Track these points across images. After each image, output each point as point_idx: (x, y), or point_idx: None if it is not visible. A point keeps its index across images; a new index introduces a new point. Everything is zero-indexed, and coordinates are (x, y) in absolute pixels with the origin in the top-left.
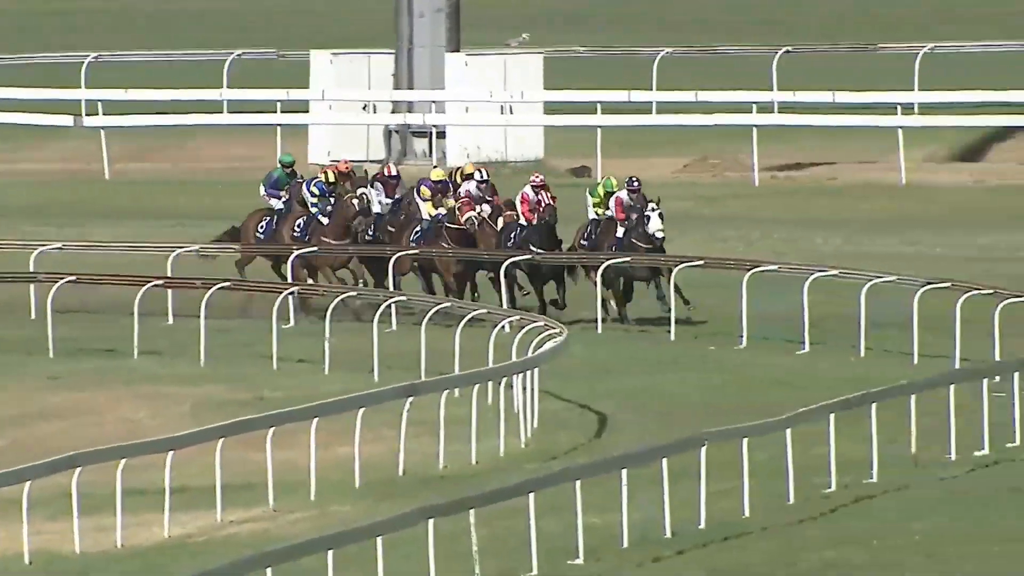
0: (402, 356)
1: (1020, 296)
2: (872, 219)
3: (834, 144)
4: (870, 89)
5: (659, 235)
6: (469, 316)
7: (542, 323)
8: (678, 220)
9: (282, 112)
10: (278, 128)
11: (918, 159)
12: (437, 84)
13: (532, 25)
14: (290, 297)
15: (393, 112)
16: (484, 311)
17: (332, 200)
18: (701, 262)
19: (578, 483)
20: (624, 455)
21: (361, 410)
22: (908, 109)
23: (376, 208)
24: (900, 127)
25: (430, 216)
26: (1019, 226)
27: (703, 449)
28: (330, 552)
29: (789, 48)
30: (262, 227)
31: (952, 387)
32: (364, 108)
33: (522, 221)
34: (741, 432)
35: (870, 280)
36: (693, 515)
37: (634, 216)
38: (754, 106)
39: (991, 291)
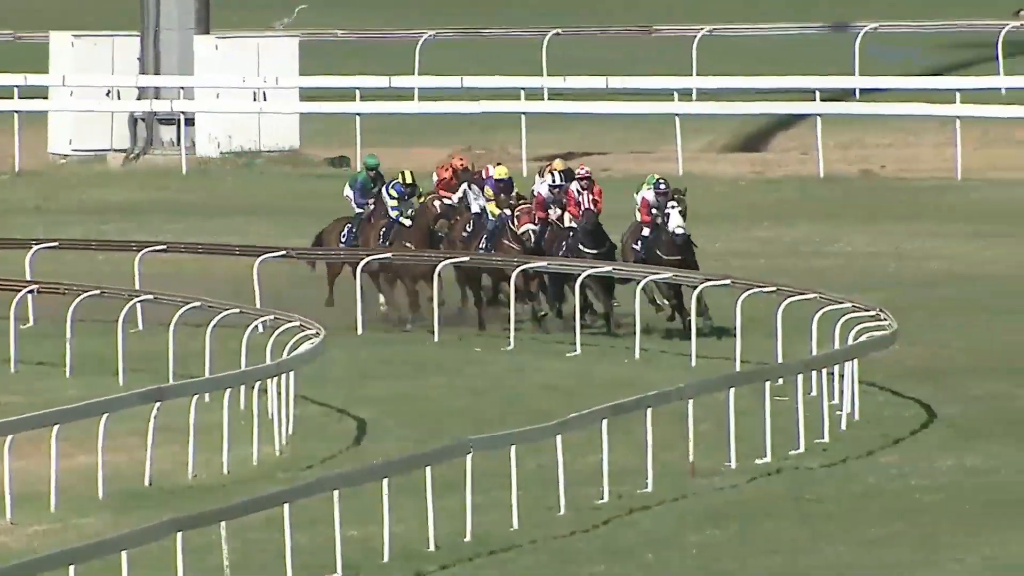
0: (149, 358)
1: (804, 294)
2: None
3: (607, 132)
4: (645, 74)
5: (679, 231)
6: (221, 316)
7: (298, 323)
8: None
9: (20, 98)
10: (15, 115)
11: (696, 148)
12: (185, 69)
13: (286, 7)
14: (29, 296)
15: (139, 99)
16: (236, 311)
17: (412, 202)
18: (467, 258)
19: (336, 493)
20: (385, 464)
21: (105, 416)
22: (685, 95)
23: (475, 210)
24: (677, 114)
25: (494, 217)
26: (802, 219)
27: (469, 457)
28: (72, 567)
29: (559, 31)
30: (344, 236)
31: (732, 391)
32: (108, 94)
33: (572, 223)
34: (509, 439)
35: (645, 277)
36: (459, 527)
37: (659, 220)
38: (522, 92)
39: (773, 288)
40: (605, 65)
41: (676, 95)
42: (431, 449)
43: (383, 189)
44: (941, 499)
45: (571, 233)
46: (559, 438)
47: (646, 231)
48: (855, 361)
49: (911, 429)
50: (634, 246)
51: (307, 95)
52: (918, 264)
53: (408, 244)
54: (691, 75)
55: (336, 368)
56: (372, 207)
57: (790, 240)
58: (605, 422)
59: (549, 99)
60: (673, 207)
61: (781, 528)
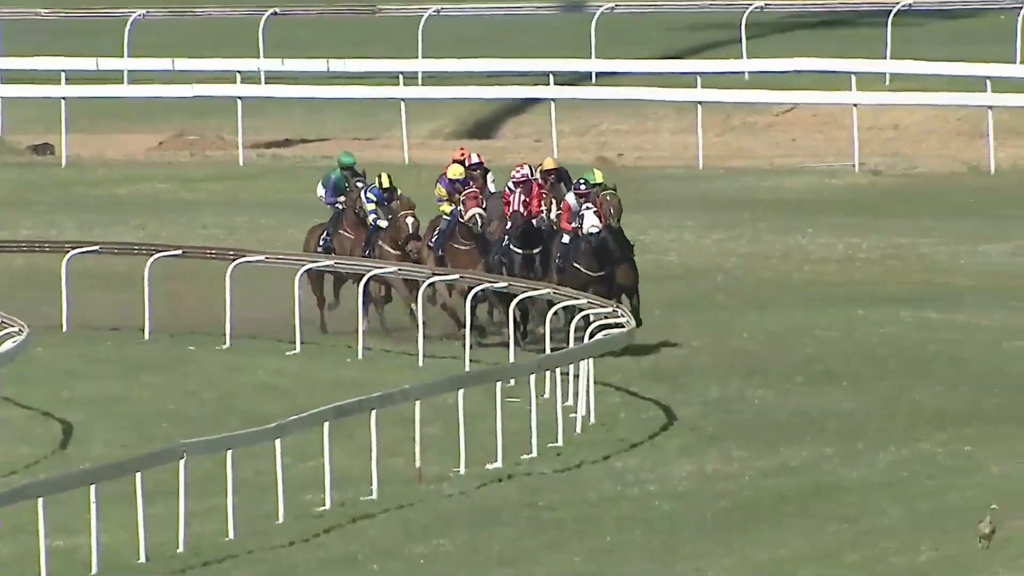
0: None
1: (537, 289)
2: None
3: (329, 118)
4: (369, 56)
5: (593, 230)
6: None
7: None
8: (153, 205)
9: None
10: None
11: (423, 135)
12: None
13: None
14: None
15: None
16: None
17: (392, 207)
18: (179, 251)
19: (40, 501)
20: (93, 469)
21: None
22: (411, 79)
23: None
24: (402, 99)
25: (447, 217)
26: None
27: (182, 462)
28: None
29: (277, 10)
30: (322, 241)
31: (461, 392)
32: None
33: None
34: (225, 443)
35: (369, 270)
36: (171, 537)
37: (575, 226)
38: (238, 75)
39: (506, 284)
40: (326, 47)
41: (401, 79)
42: (142, 453)
43: (361, 194)
44: (680, 506)
45: (505, 236)
46: (278, 442)
47: (565, 238)
48: (590, 360)
49: (649, 432)
50: (556, 257)
51: (9, 78)
52: (656, 258)
53: (385, 245)
54: (417, 57)
55: (41, 367)
56: (343, 207)
57: None
58: (327, 425)
59: (266, 83)
60: (588, 208)
61: (513, 537)
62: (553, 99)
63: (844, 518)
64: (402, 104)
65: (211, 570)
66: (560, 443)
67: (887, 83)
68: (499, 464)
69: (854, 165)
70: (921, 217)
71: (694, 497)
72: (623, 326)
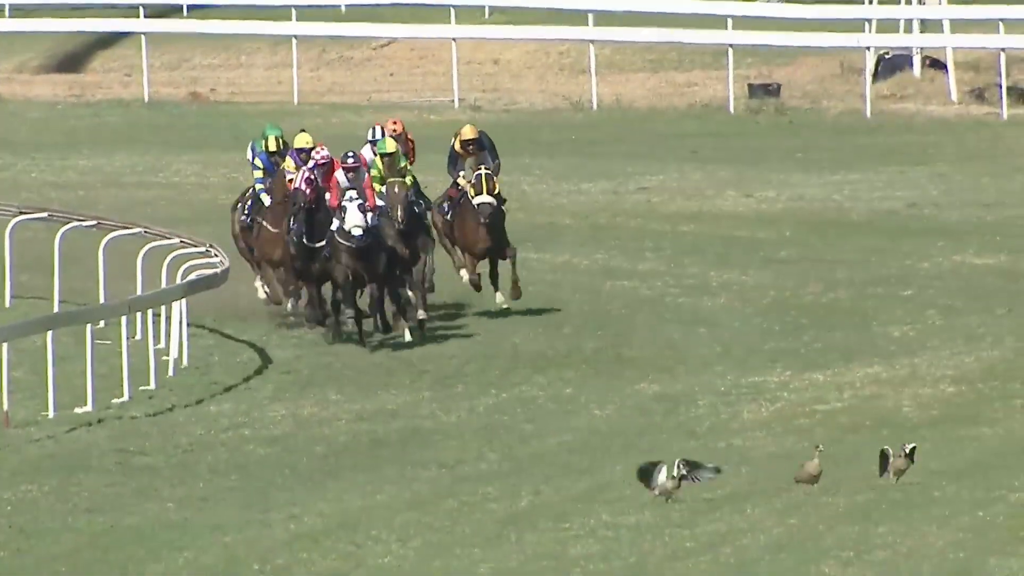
0: None
1: (128, 228)
2: None
3: None
4: None
5: (356, 232)
6: None
7: None
8: None
9: None
10: None
11: (9, 69)
12: None
13: None
14: None
15: None
16: None
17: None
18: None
19: None
20: None
21: None
22: None
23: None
24: None
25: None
26: (123, 147)
27: None
28: None
29: None
30: (246, 213)
31: (50, 333)
32: None
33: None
34: None
35: None
36: None
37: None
38: None
39: (94, 222)
40: None
41: None
42: None
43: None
44: (274, 451)
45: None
46: None
47: (335, 223)
48: (183, 301)
49: (243, 375)
50: (338, 238)
51: None
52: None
53: (265, 223)
54: None
55: None
56: (269, 193)
57: (112, 169)
58: None
59: None
60: (352, 200)
61: (103, 484)
62: (144, 32)
63: (442, 463)
64: None
65: None
66: (152, 386)
67: (487, 16)
68: (89, 408)
69: (454, 100)
70: (522, 154)
71: (289, 441)
72: (216, 266)
